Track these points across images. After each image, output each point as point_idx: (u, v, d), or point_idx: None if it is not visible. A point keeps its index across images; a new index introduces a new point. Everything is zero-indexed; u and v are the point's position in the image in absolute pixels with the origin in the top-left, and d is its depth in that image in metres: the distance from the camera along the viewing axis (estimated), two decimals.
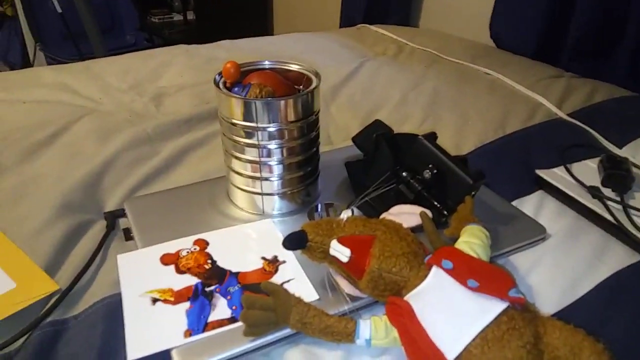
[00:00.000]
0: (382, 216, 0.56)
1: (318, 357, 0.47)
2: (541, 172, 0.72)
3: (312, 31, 1.45)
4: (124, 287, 0.52)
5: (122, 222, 0.64)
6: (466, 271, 0.44)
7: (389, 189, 0.63)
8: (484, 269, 0.46)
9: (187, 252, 0.57)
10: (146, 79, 1.04)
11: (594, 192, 0.67)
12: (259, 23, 2.59)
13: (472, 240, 0.49)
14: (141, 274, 0.54)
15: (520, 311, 0.42)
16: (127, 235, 0.62)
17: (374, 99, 0.98)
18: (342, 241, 0.49)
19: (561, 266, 0.57)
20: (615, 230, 0.62)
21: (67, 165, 0.73)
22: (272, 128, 0.57)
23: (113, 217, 0.65)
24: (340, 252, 0.48)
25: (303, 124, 0.59)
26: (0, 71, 2.94)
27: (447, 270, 0.45)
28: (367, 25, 1.52)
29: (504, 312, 0.41)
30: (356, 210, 0.59)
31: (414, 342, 0.42)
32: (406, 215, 0.55)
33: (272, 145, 0.58)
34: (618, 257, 0.58)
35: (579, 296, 0.53)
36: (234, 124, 0.58)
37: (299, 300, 0.46)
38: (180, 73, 1.07)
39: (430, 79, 1.07)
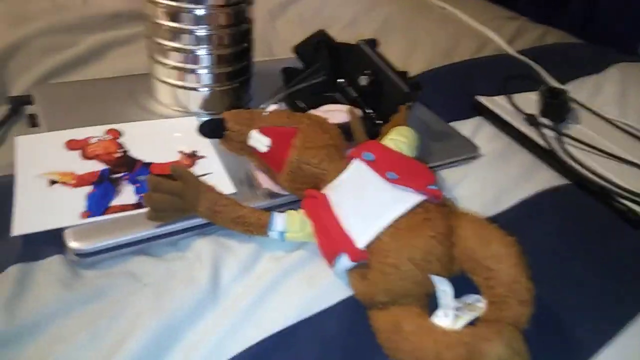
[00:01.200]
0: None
1: (229, 249, 0.44)
2: (481, 98, 0.70)
3: None
4: (19, 166, 0.47)
5: (28, 110, 0.57)
6: (387, 164, 0.42)
7: (322, 94, 0.59)
8: (405, 163, 0.44)
9: (97, 140, 0.52)
10: None
11: (531, 119, 0.66)
12: None
13: (397, 138, 0.47)
14: (42, 157, 0.49)
15: (437, 204, 0.40)
16: (32, 121, 0.56)
17: (324, 19, 0.93)
18: (263, 131, 0.45)
19: (488, 182, 0.56)
20: (547, 156, 0.62)
21: None
22: (200, 11, 0.52)
23: (18, 103, 0.58)
24: (260, 141, 0.45)
25: (234, 11, 0.54)
26: None
27: (367, 162, 0.42)
28: None
29: (420, 205, 0.39)
30: (283, 106, 0.56)
31: (327, 232, 0.40)
32: (335, 112, 0.52)
33: (201, 31, 0.53)
34: (545, 179, 0.58)
35: (501, 210, 0.53)
36: (160, 3, 0.52)
37: (210, 187, 0.43)
38: None
39: (383, 5, 1.02)
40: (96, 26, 0.74)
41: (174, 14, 0.53)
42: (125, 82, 0.63)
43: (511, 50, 0.90)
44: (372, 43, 0.60)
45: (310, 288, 0.42)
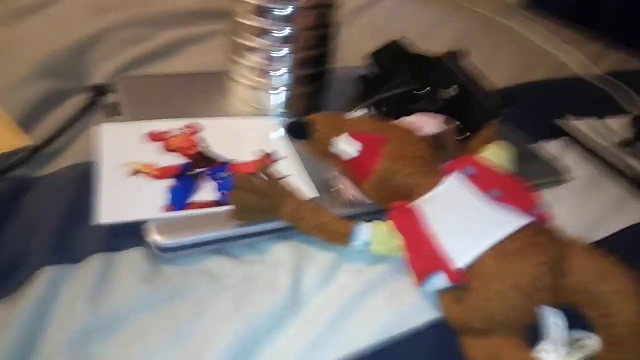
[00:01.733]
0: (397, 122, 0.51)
1: (310, 256, 0.42)
2: (570, 119, 0.67)
3: None
4: (104, 154, 0.46)
5: (111, 99, 0.57)
6: (490, 180, 0.39)
7: (406, 104, 0.57)
8: (509, 180, 0.41)
9: (179, 132, 0.51)
10: None
11: (621, 146, 0.62)
12: None
13: (499, 152, 0.44)
14: (125, 146, 0.48)
15: (545, 228, 0.37)
16: (113, 111, 0.55)
17: (396, 29, 0.90)
18: (352, 136, 0.43)
19: (581, 208, 0.53)
20: (637, 187, 0.57)
21: (54, 33, 0.66)
22: (285, 11, 0.51)
23: (99, 91, 0.58)
24: (350, 146, 0.42)
25: (318, 13, 0.52)
26: None
27: (470, 176, 0.39)
28: None
29: (527, 227, 0.36)
30: (370, 113, 0.54)
31: (420, 247, 0.37)
32: (426, 122, 0.49)
33: (284, 32, 0.52)
34: (638, 211, 0.54)
35: (598, 239, 0.49)
36: (247, 2, 0.51)
37: (295, 191, 0.41)
38: None
39: (455, 20, 1.00)
40: (173, 22, 0.74)
41: (258, 13, 0.51)
42: (202, 79, 0.62)
43: (598, 71, 0.86)
44: (456, 56, 0.58)
45: (394, 306, 0.39)
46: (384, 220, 0.40)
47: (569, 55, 0.92)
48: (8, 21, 0.67)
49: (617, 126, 0.66)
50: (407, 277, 0.39)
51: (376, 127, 0.45)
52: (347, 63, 0.78)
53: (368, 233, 0.40)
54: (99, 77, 0.61)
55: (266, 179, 0.41)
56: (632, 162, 0.59)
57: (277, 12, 0.51)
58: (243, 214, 0.41)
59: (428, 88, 0.57)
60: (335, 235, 0.40)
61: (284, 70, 0.55)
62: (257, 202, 0.40)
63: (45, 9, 0.72)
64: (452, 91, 0.54)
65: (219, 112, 0.57)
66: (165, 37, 0.71)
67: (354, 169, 0.44)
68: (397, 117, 0.54)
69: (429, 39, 0.89)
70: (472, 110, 0.54)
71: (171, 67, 0.67)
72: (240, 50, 0.55)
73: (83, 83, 0.59)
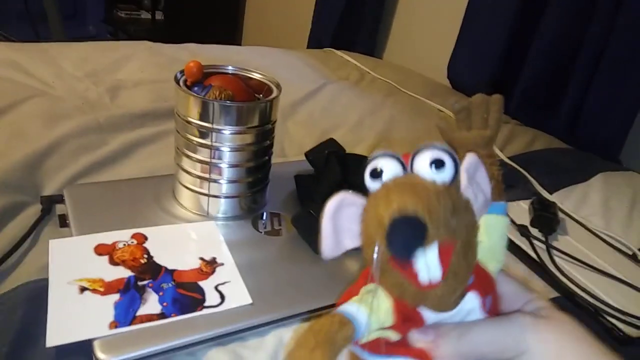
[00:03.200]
0: None
1: (243, 359, 0.47)
2: None
3: (280, 47, 1.48)
4: (52, 272, 0.50)
5: (59, 209, 0.62)
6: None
7: None
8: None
9: (124, 244, 0.56)
10: (104, 70, 1.03)
11: (522, 230, 0.71)
12: (228, 33, 2.60)
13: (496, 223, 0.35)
14: (72, 262, 0.52)
15: None
16: (62, 222, 0.60)
17: (332, 120, 1.00)
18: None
19: None
20: (538, 267, 0.66)
21: (8, 144, 0.70)
22: (226, 131, 0.58)
23: (50, 202, 0.63)
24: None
25: (259, 131, 0.60)
26: None
27: None
28: (334, 50, 1.56)
29: None
30: None
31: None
32: None
33: (225, 147, 0.59)
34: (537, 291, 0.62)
35: None
36: (189, 122, 0.59)
37: None
38: (141, 69, 1.06)
39: (387, 107, 1.11)
40: (124, 125, 0.81)
41: (201, 133, 0.59)
42: (150, 184, 0.68)
43: (504, 157, 0.97)
44: None
45: None
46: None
47: None
48: None
49: (517, 211, 0.76)
50: None
51: None
52: (287, 156, 0.86)
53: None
54: (52, 187, 0.65)
55: None
56: (526, 247, 0.68)
57: (216, 133, 0.58)
58: None
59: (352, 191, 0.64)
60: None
61: (225, 179, 0.61)
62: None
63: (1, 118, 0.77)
64: None
65: (167, 216, 0.62)
66: (117, 141, 0.77)
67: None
68: None
69: (361, 128, 0.99)
70: None
71: (124, 170, 0.72)
72: (182, 158, 0.62)
73: (35, 196, 0.63)
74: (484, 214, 0.33)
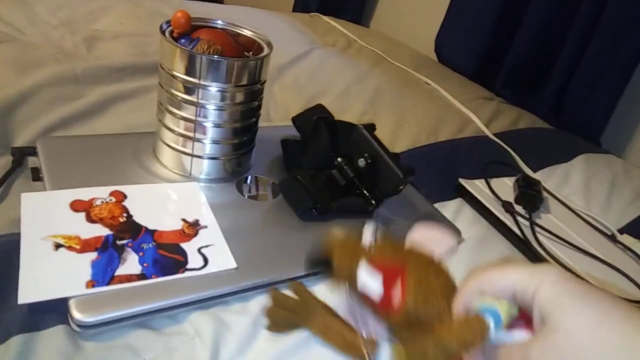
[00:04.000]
0: (407, 242, 0.45)
1: (227, 325, 0.46)
2: (463, 181, 0.76)
3: (265, 8, 1.42)
4: (24, 227, 0.48)
5: (32, 162, 0.59)
6: None
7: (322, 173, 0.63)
8: None
9: (102, 202, 0.53)
10: (81, 19, 0.97)
11: (507, 207, 0.71)
12: None
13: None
14: (46, 217, 0.50)
15: None
16: (35, 175, 0.57)
17: (318, 85, 0.98)
18: (372, 267, 0.39)
19: (467, 268, 0.60)
20: (520, 243, 0.67)
21: None
22: (213, 88, 0.55)
23: (21, 154, 0.59)
24: (373, 280, 0.39)
25: (247, 91, 0.57)
26: None
27: None
28: (320, 15, 1.52)
29: None
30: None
31: None
32: (434, 241, 0.44)
33: (211, 106, 0.56)
34: None
35: None
36: (175, 77, 0.55)
37: (326, 306, 0.45)
38: (120, 20, 1.00)
39: (374, 76, 1.09)
40: (102, 78, 0.76)
41: (187, 88, 0.56)
42: (129, 140, 0.65)
43: (489, 133, 0.97)
44: (371, 128, 0.65)
45: None
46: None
47: (472, 112, 1.04)
48: None
49: (502, 187, 0.76)
50: (319, 347, 0.44)
51: (393, 253, 0.41)
52: (273, 121, 0.84)
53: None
54: (24, 138, 0.61)
55: (296, 297, 0.45)
56: (510, 223, 0.69)
57: (203, 89, 0.55)
58: (276, 327, 0.46)
59: (339, 159, 0.63)
60: (360, 354, 0.42)
61: (209, 138, 0.59)
62: (288, 317, 0.45)
63: None
64: (362, 161, 0.61)
65: (147, 175, 0.60)
66: (94, 94, 0.73)
67: (377, 304, 0.40)
68: (316, 188, 0.60)
69: (348, 96, 0.97)
70: (380, 179, 0.61)
71: (101, 125, 0.68)
72: (165, 114, 0.58)
73: (6, 146, 0.59)
74: None
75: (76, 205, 0.52)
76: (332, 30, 1.40)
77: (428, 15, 1.51)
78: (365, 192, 0.61)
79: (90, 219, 0.51)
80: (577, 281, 0.32)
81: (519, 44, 1.21)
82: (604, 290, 0.33)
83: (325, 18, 1.49)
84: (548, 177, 0.86)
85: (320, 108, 0.73)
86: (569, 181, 0.86)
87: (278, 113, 0.85)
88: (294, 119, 0.72)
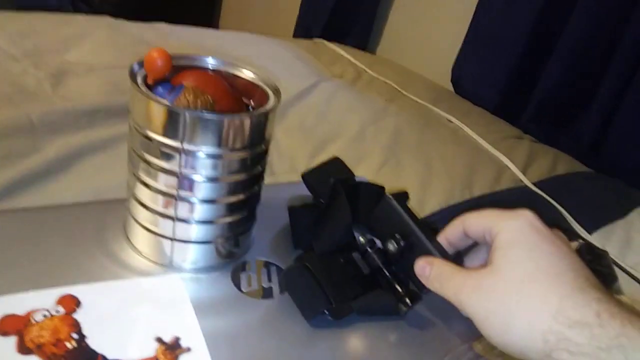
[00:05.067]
0: None
1: None
2: None
3: (262, 34, 1.29)
4: None
5: None
6: None
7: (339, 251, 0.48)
8: None
9: (44, 316, 0.38)
10: (50, 49, 0.82)
11: None
12: (205, 13, 2.37)
13: None
14: None
15: None
16: None
17: (328, 127, 0.84)
18: None
19: None
20: None
21: None
22: (202, 153, 0.41)
23: None
24: None
25: (248, 155, 0.43)
26: None
27: None
28: (324, 41, 1.39)
29: None
30: None
31: None
32: None
33: (199, 176, 0.42)
34: None
35: None
36: (149, 138, 0.41)
37: None
38: (97, 50, 0.86)
39: (391, 115, 0.95)
40: (66, 126, 0.62)
41: (165, 154, 0.41)
42: (93, 212, 0.50)
43: (529, 183, 0.83)
44: (403, 198, 0.50)
45: None
46: None
47: (505, 156, 0.90)
48: None
49: None
50: None
51: None
52: (276, 175, 0.69)
53: None
54: None
55: None
56: None
57: (187, 156, 0.40)
58: None
59: (362, 238, 0.48)
60: None
61: (196, 218, 0.44)
62: None
63: None
64: (393, 245, 0.46)
65: (112, 265, 0.45)
66: (54, 147, 0.58)
67: None
68: (332, 277, 0.45)
69: (364, 140, 0.83)
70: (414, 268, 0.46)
71: (58, 191, 0.53)
72: (137, 185, 0.44)
73: None
74: None
75: (6, 324, 0.37)
76: (338, 58, 1.27)
77: (442, 40, 1.39)
78: (397, 286, 0.46)
79: (23, 348, 0.36)
80: (541, 231, 0.34)
81: (551, 72, 1.08)
82: (562, 245, 0.34)
83: (330, 45, 1.36)
84: (607, 241, 0.71)
85: (336, 163, 0.59)
86: (632, 245, 0.72)
87: (283, 164, 0.71)
88: (304, 177, 0.57)
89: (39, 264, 0.43)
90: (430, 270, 0.39)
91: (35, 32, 0.86)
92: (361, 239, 0.49)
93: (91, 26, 0.96)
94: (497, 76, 1.18)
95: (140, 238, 0.46)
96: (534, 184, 0.83)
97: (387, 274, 0.47)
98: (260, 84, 0.47)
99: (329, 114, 0.89)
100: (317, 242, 0.50)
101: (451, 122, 1.02)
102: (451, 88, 1.31)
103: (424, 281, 0.40)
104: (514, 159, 0.89)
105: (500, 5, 1.16)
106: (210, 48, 1.04)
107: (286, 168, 0.70)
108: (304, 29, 1.63)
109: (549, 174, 0.90)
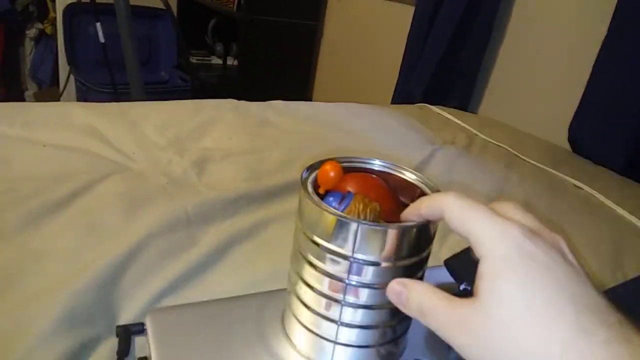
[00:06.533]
0: None
1: None
2: None
3: (356, 100, 1.32)
4: None
5: (140, 347, 0.47)
6: None
7: None
8: None
9: None
10: (189, 136, 0.90)
11: None
12: (300, 82, 2.50)
13: None
14: None
15: None
16: None
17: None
18: None
19: None
20: None
21: (81, 243, 0.57)
22: (371, 262, 0.41)
23: (128, 334, 0.48)
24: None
25: (414, 261, 0.43)
26: (27, 89, 2.87)
27: None
28: (429, 106, 1.39)
29: None
30: None
31: None
32: None
33: (365, 283, 0.42)
34: None
35: None
36: (317, 244, 0.42)
37: None
38: (229, 134, 0.93)
39: (514, 184, 0.91)
40: (215, 215, 0.66)
41: (332, 260, 0.42)
42: (249, 306, 0.52)
43: None
44: None
45: None
46: None
47: None
48: (28, 224, 0.59)
49: None
50: None
51: None
52: None
53: None
54: (130, 311, 0.51)
55: None
56: None
57: (356, 263, 0.41)
58: None
59: None
60: None
61: (358, 322, 0.44)
62: None
63: (74, 201, 0.64)
64: None
65: None
66: (207, 238, 0.62)
67: None
68: None
69: None
70: None
71: (214, 283, 0.56)
72: (300, 285, 0.45)
73: (109, 325, 0.49)
74: None
75: None
76: (446, 123, 1.26)
77: (549, 97, 1.34)
78: None
79: None
80: (534, 255, 0.29)
81: None
82: (558, 272, 0.29)
83: (435, 109, 1.36)
84: None
85: None
86: None
87: None
88: (447, 263, 0.56)
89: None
90: (406, 297, 0.36)
91: (174, 122, 0.95)
92: None
93: (219, 109, 1.05)
94: (621, 131, 1.11)
95: (299, 336, 0.47)
96: None
97: None
98: (421, 184, 0.47)
99: (451, 186, 0.87)
100: None
101: (580, 188, 0.96)
102: (564, 145, 1.25)
103: (401, 309, 0.37)
104: None
105: (621, 64, 1.10)
106: (325, 121, 1.08)
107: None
108: (404, 94, 1.65)
109: None
